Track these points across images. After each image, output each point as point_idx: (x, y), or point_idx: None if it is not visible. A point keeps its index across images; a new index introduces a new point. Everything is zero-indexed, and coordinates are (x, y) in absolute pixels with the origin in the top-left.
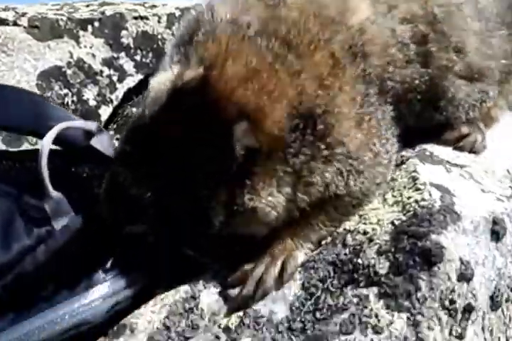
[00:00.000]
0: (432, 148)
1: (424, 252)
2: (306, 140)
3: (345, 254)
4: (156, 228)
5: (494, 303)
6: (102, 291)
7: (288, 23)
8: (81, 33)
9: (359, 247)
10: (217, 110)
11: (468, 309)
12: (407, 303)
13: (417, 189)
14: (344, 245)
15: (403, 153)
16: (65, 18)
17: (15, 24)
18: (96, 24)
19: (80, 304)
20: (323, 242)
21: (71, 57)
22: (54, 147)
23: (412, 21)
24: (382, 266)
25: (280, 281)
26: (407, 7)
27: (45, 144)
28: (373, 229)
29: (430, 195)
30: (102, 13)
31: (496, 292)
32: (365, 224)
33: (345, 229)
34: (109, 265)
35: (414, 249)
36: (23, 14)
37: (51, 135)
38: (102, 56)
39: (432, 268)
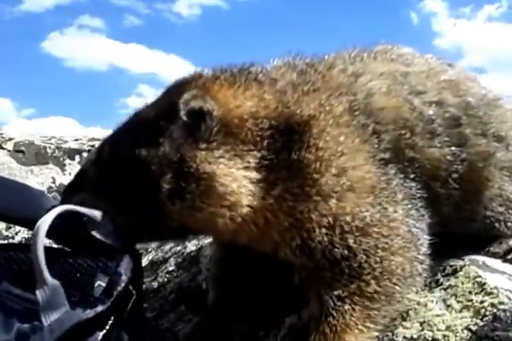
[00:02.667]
0: (481, 258)
1: None
2: (281, 152)
3: None
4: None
5: None
6: None
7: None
8: (67, 161)
9: None
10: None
11: None
12: None
13: (489, 293)
14: None
15: (452, 262)
16: (53, 147)
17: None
18: (84, 154)
19: None
20: None
21: (53, 182)
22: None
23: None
24: None
25: None
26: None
27: (43, 221)
28: (444, 336)
29: (509, 298)
30: (92, 146)
31: None
32: (431, 330)
33: (405, 337)
34: None
35: None
36: (10, 139)
37: (51, 214)
38: None
39: None
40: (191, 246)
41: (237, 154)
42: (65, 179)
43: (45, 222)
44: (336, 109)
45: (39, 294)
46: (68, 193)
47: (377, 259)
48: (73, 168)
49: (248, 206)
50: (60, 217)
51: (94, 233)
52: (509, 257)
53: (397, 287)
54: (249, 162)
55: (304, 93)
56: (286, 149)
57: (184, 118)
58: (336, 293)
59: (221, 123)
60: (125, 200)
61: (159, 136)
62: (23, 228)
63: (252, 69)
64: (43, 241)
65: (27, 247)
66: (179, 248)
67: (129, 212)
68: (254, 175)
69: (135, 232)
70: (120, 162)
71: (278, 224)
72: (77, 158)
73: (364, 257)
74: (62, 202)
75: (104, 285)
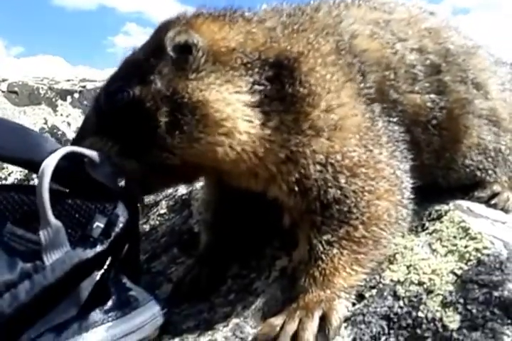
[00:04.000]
0: (466, 203)
1: (503, 303)
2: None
3: (401, 307)
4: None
5: None
6: (99, 336)
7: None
8: (60, 102)
9: (416, 299)
10: (164, 30)
11: None
12: None
13: (473, 238)
14: (396, 297)
15: (437, 207)
16: (45, 87)
17: None
18: (76, 95)
19: None
20: (367, 294)
21: (45, 123)
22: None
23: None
24: (452, 320)
25: (324, 338)
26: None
27: (48, 164)
28: (430, 280)
29: (492, 243)
30: (83, 86)
31: None
32: (417, 274)
33: (392, 280)
34: (110, 304)
35: (490, 299)
36: (4, 80)
37: (56, 155)
38: (78, 125)
39: None
40: (182, 189)
41: (228, 79)
42: (57, 120)
43: (49, 164)
44: (323, 47)
45: (42, 235)
46: (76, 141)
47: (365, 204)
48: (65, 108)
49: (246, 133)
50: (61, 158)
51: (93, 174)
52: (493, 202)
53: (383, 232)
54: (240, 86)
55: (294, 31)
56: (277, 81)
57: (171, 53)
58: (325, 237)
59: (208, 53)
60: (127, 141)
61: (149, 74)
62: (16, 169)
63: (238, 10)
64: (48, 183)
65: (27, 188)
66: (170, 191)
67: (133, 153)
68: (247, 98)
69: (141, 178)
70: (116, 104)
71: (275, 156)
72: (69, 98)
73: (353, 200)
74: None
75: (102, 226)
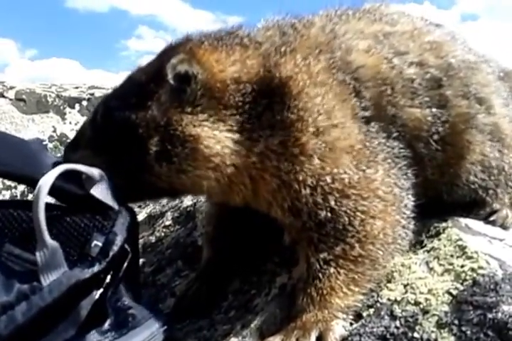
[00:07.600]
0: (464, 220)
1: (496, 325)
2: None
3: (397, 327)
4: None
5: None
6: None
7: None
8: (68, 109)
9: (412, 319)
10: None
11: None
12: None
13: (469, 257)
14: (393, 317)
15: (436, 223)
16: (53, 95)
17: (1, 96)
18: (84, 103)
19: None
20: (364, 314)
21: (54, 131)
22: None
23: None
24: None
25: None
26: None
27: (45, 183)
28: (426, 300)
29: (488, 263)
30: (91, 94)
31: None
32: (413, 293)
33: (389, 299)
34: (107, 325)
35: (484, 321)
36: (11, 87)
37: (52, 174)
38: None
39: None
40: (187, 200)
41: (220, 119)
42: (66, 128)
43: (45, 183)
44: (313, 68)
45: (38, 256)
46: (69, 150)
47: (359, 222)
48: (73, 116)
49: (232, 165)
50: (59, 174)
51: (91, 191)
52: (491, 218)
53: (380, 252)
54: (231, 125)
55: (282, 55)
56: (268, 111)
57: (171, 81)
58: (322, 255)
59: (205, 87)
60: (118, 160)
61: (148, 99)
62: None
63: (239, 33)
64: (44, 203)
65: (26, 204)
66: (176, 202)
67: (122, 172)
68: (236, 136)
69: (128, 191)
70: (111, 124)
71: (266, 185)
72: (77, 106)
73: (347, 219)
74: (64, 159)
75: (100, 244)
